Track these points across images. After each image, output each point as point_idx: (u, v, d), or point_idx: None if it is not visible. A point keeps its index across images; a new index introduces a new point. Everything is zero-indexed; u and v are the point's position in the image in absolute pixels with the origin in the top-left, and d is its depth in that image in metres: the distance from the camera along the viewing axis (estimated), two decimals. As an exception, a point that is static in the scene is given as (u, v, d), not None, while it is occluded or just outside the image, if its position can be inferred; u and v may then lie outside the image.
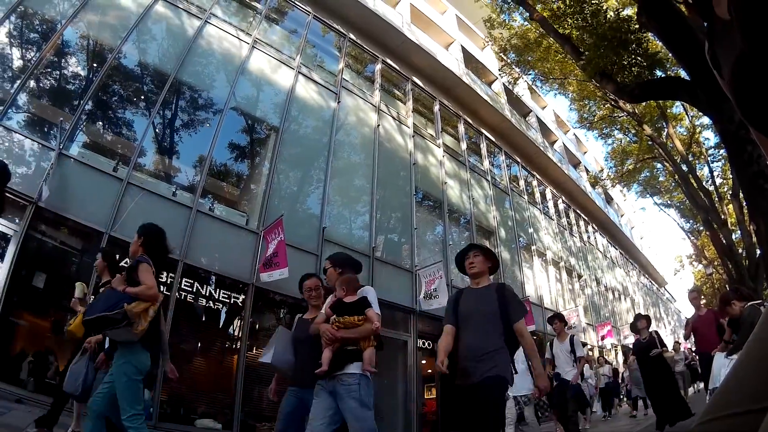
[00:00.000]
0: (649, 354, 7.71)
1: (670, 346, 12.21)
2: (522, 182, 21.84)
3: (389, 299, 11.59)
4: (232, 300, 9.21)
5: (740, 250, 16.76)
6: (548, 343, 8.52)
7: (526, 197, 21.20)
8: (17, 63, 8.56)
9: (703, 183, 17.84)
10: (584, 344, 13.83)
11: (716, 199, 17.83)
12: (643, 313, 10.10)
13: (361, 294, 3.82)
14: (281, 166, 11.19)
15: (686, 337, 9.03)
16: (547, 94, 22.84)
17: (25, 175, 7.57)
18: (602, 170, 23.13)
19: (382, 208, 13.14)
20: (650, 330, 8.28)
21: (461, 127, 18.43)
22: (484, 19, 14.98)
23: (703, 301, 9.15)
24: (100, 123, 9.85)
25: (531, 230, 20.25)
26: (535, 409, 7.86)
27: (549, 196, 24.07)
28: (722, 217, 17.03)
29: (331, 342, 3.55)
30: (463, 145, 17.99)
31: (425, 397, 11.98)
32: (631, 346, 11.54)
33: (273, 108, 11.93)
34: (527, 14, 12.01)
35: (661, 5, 7.02)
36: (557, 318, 8.20)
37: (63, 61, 9.37)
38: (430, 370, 11.99)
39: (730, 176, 16.63)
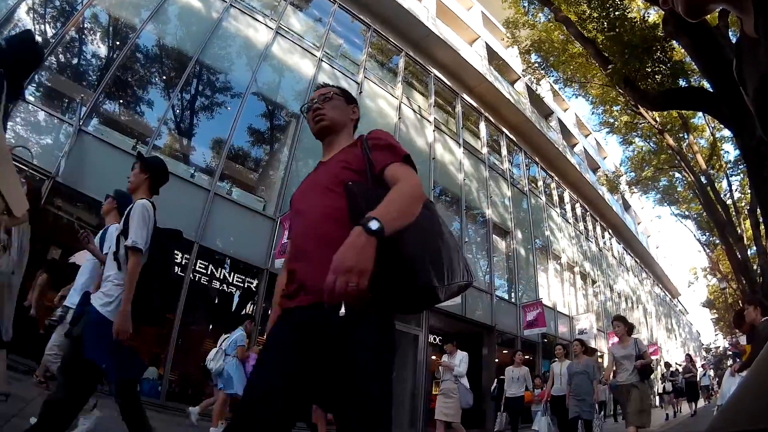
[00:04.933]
0: None
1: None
2: (540, 183, 21.67)
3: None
4: (246, 284, 9.29)
5: (755, 267, 16.47)
6: None
7: (543, 199, 21.03)
8: (39, 39, 8.66)
9: (722, 196, 17.51)
10: (593, 351, 12.36)
11: (733, 213, 17.49)
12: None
13: None
14: (300, 154, 11.20)
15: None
16: (570, 98, 22.53)
17: (44, 149, 7.69)
18: (621, 175, 22.71)
19: (399, 201, 13.04)
20: None
21: (482, 125, 18.34)
22: (505, 21, 14.79)
23: None
24: (121, 101, 9.96)
25: (547, 233, 20.13)
26: None
27: (567, 199, 23.86)
28: (738, 232, 16.71)
29: None
30: (483, 143, 17.91)
31: (433, 392, 12.00)
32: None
33: (294, 95, 11.95)
34: (551, 15, 11.86)
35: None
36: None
37: (85, 38, 9.47)
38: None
39: (749, 191, 16.31)
